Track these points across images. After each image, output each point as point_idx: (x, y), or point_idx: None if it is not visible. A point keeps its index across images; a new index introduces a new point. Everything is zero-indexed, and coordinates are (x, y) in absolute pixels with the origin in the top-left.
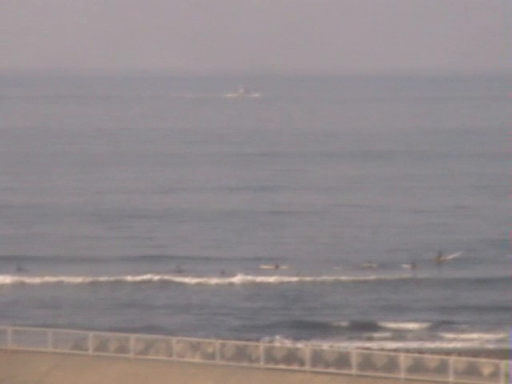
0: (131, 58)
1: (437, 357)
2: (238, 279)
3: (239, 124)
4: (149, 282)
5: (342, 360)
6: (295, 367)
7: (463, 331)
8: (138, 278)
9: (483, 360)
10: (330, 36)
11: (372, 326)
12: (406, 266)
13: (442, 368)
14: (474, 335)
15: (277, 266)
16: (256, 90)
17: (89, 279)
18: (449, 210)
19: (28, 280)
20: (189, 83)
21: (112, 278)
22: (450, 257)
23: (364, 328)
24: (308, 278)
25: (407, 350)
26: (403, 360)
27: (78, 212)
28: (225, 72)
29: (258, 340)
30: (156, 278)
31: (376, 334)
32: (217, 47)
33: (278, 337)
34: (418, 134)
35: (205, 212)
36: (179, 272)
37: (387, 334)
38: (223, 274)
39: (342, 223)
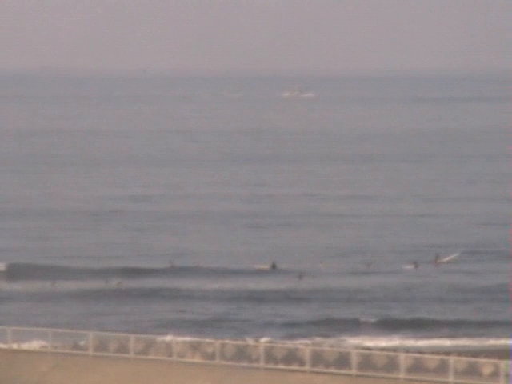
0: (127, 58)
1: (437, 357)
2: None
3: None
4: None
5: (342, 360)
6: (295, 367)
7: None
8: None
9: (483, 360)
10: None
11: None
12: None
13: (441, 368)
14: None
15: (274, 266)
16: (309, 90)
17: None
18: None
19: None
20: (214, 83)
21: None
22: (446, 259)
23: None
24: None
25: (407, 350)
26: (403, 360)
27: None
28: (231, 72)
29: (258, 340)
30: None
31: None
32: (214, 47)
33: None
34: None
35: None
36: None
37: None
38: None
39: None
